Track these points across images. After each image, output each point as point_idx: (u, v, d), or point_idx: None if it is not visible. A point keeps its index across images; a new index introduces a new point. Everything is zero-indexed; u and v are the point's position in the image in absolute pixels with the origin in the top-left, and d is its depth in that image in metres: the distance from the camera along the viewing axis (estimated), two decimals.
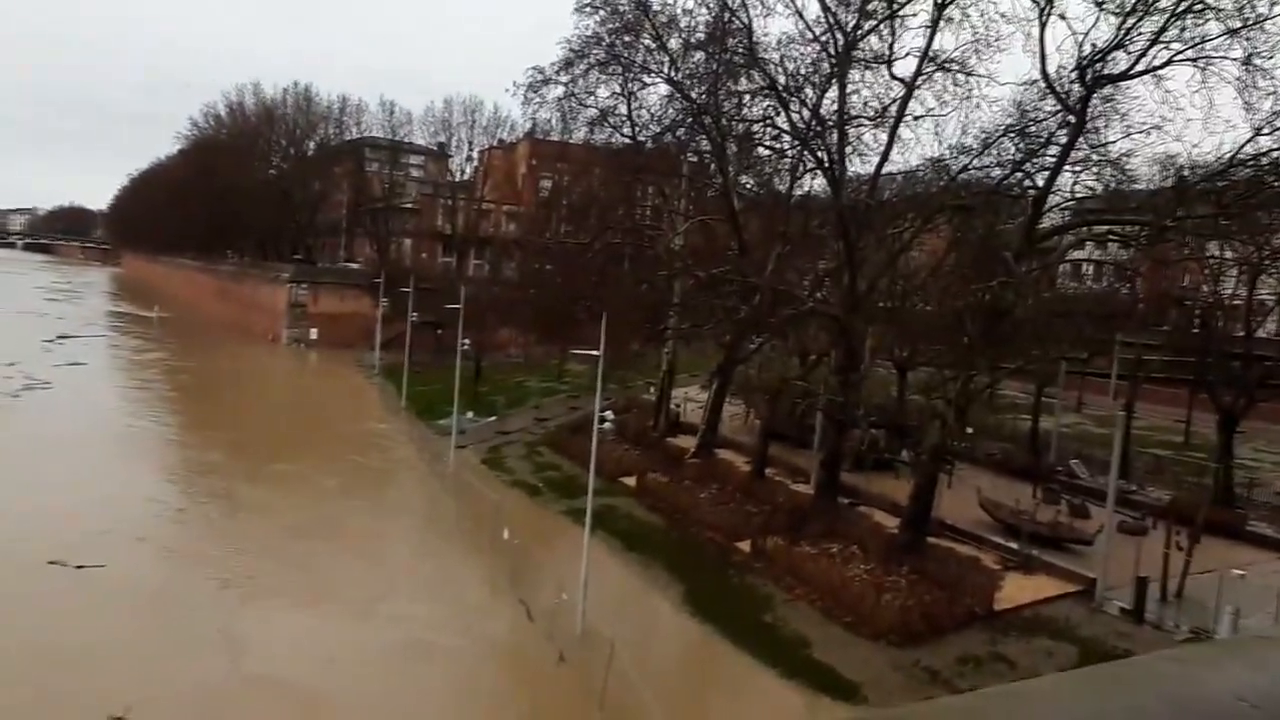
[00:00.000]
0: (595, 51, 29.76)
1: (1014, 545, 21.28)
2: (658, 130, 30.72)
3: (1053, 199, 22.97)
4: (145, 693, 15.01)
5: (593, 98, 31.20)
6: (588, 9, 28.89)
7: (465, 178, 72.68)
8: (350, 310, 64.58)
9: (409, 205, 75.74)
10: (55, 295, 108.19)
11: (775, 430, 29.56)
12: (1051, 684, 1.66)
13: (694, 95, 28.14)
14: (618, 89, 30.86)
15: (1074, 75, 20.00)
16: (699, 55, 27.93)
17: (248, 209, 77.47)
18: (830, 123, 23.77)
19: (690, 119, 28.94)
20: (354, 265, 74.34)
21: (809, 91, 24.03)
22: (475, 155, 70.58)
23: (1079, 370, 35.82)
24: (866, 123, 24.09)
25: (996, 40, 21.68)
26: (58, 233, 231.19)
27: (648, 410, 37.96)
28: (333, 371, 57.70)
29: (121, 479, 29.60)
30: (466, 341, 37.57)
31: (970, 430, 24.00)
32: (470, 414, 37.73)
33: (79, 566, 20.35)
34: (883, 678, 16.17)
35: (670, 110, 29.82)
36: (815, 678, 16.28)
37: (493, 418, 39.67)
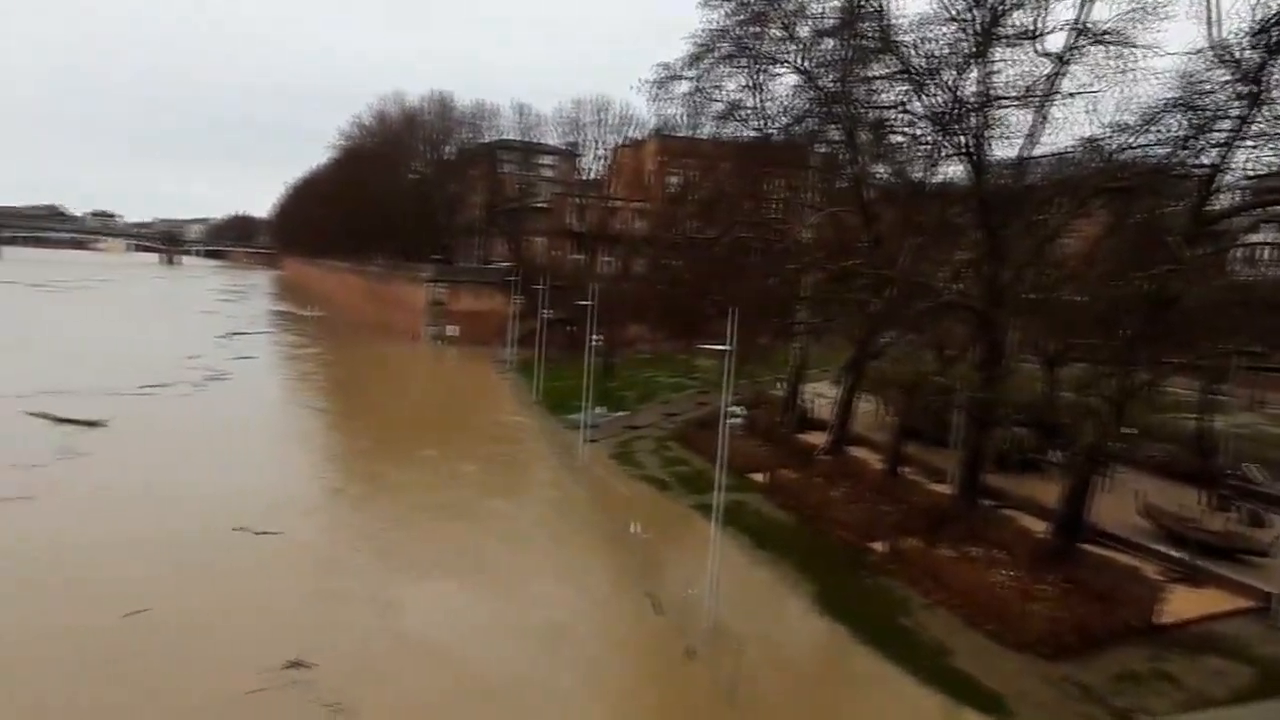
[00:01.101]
0: (722, 44, 29.56)
1: (1179, 555, 19.67)
2: (786, 122, 30.17)
3: (1225, 178, 20.88)
4: (315, 643, 16.50)
5: (720, 91, 31.04)
6: (714, 2, 28.74)
7: (595, 176, 73.93)
8: (486, 308, 67.06)
9: (541, 204, 77.86)
10: (226, 296, 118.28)
11: (911, 427, 28.50)
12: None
13: (824, 84, 27.47)
14: (745, 81, 30.55)
15: (1250, 41, 18.12)
16: (829, 42, 27.21)
17: (392, 212, 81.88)
18: (971, 105, 22.60)
19: (820, 108, 28.26)
20: (490, 265, 77.12)
21: (947, 73, 22.88)
22: (605, 154, 71.60)
23: (1255, 366, 32.60)
24: (1010, 103, 22.65)
25: (1159, 6, 19.94)
26: (229, 240, 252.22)
27: (777, 406, 37.46)
28: (469, 366, 60.12)
29: (288, 459, 33.24)
30: (597, 337, 38.20)
31: (1129, 430, 22.25)
32: (600, 409, 38.38)
33: (259, 533, 22.78)
34: (1030, 691, 15.31)
35: (799, 100, 29.23)
36: (955, 686, 15.61)
37: (622, 413, 40.22)
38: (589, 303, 38.16)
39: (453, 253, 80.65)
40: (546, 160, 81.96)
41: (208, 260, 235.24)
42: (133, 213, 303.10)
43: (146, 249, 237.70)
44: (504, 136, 79.35)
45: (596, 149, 71.16)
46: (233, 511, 24.04)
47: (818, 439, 32.36)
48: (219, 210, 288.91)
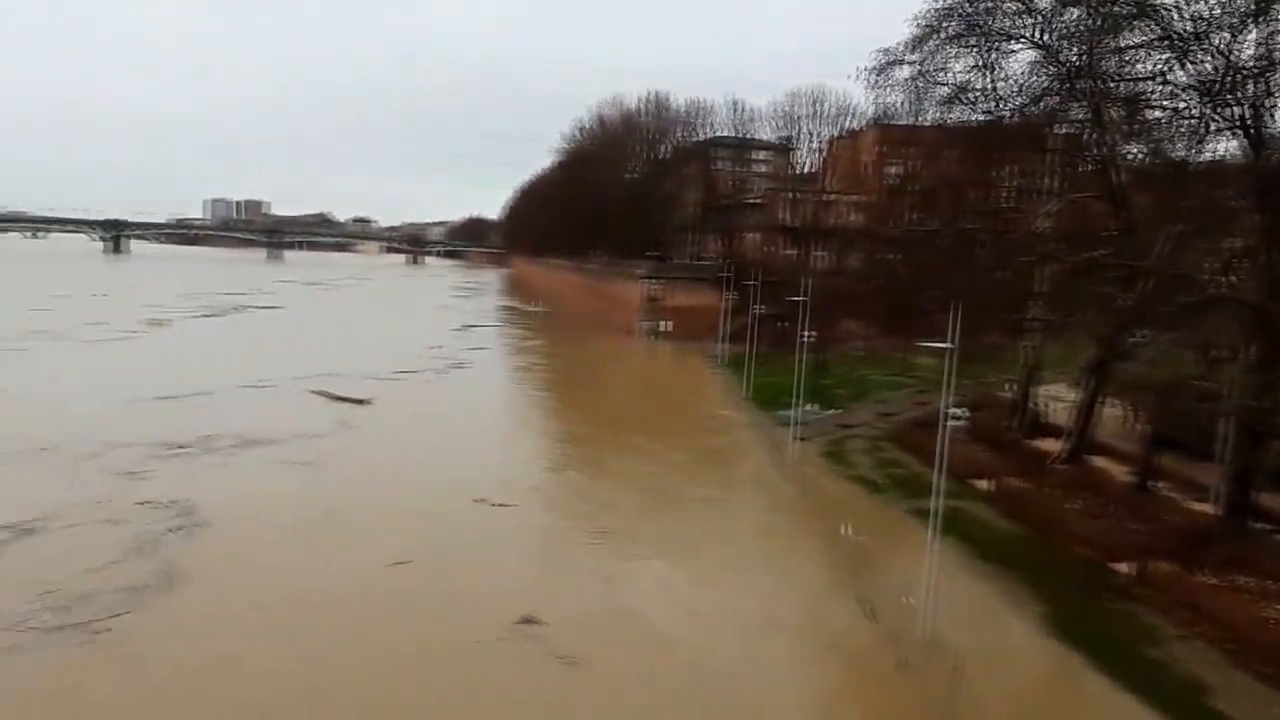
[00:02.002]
0: (949, 24, 27.85)
1: None
2: (1022, 102, 27.88)
3: None
4: (544, 605, 17.84)
5: (946, 74, 29.24)
6: None
7: (809, 170, 72.55)
8: (699, 303, 67.95)
9: (754, 200, 77.65)
10: (461, 293, 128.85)
11: (1166, 437, 25.43)
12: None
13: (1067, 58, 25.10)
14: (975, 61, 28.52)
15: None
16: (1073, 12, 24.81)
17: (609, 212, 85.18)
18: (1248, 71, 19.70)
19: (1062, 85, 25.88)
20: (703, 261, 78.05)
21: (1218, 37, 20.07)
22: (820, 146, 70.05)
23: None
24: None
25: None
26: (464, 241, 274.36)
27: (1004, 409, 34.84)
28: (681, 361, 61.23)
29: (518, 440, 35.97)
30: (810, 333, 37.47)
31: None
32: (812, 406, 37.64)
33: (495, 504, 24.88)
34: None
35: (1037, 78, 26.91)
36: None
37: (835, 411, 39.23)
38: (801, 298, 37.53)
39: (667, 250, 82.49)
40: (760, 156, 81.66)
41: (446, 260, 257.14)
42: (386, 218, 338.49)
43: (396, 250, 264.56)
44: (718, 134, 79.98)
45: (811, 142, 69.87)
46: (473, 484, 26.52)
47: (1051, 446, 29.72)
48: (457, 213, 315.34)
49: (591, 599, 18.81)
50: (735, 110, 76.25)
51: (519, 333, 78.74)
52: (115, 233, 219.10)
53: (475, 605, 18.00)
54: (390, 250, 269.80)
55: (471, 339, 68.42)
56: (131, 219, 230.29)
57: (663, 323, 69.68)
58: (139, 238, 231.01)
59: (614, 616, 18.03)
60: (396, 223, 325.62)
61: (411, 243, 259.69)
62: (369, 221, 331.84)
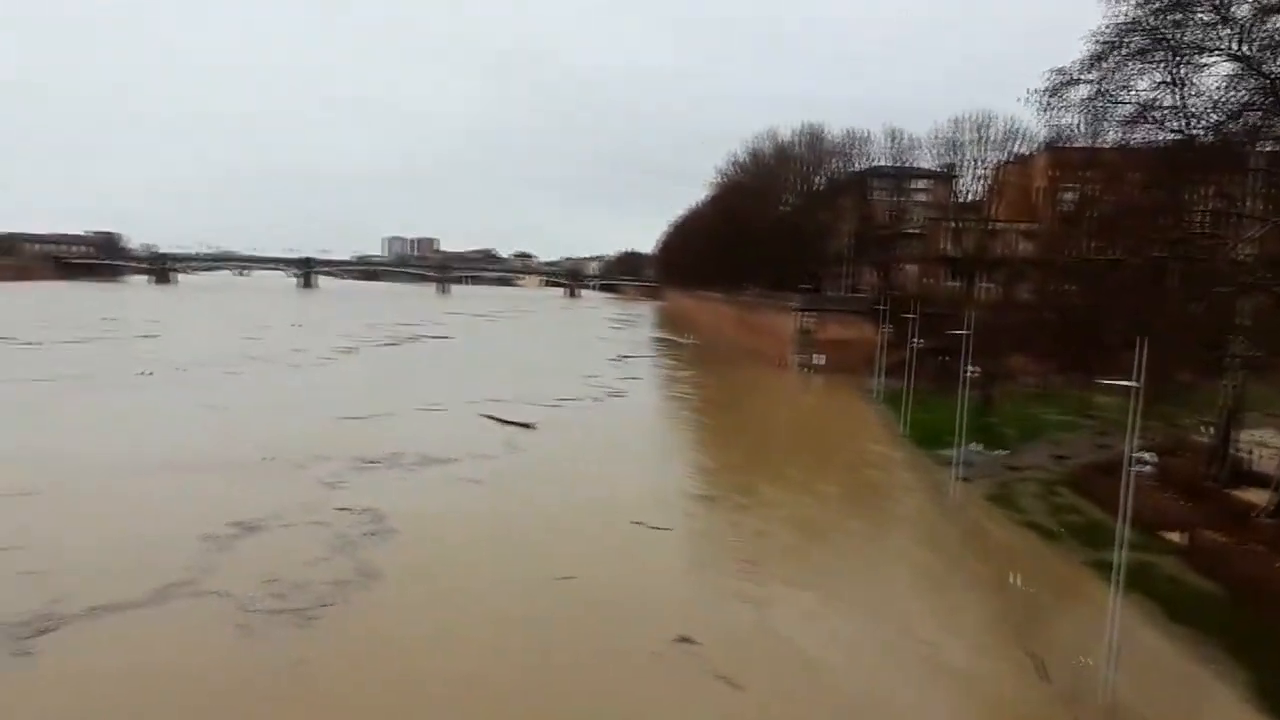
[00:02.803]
0: (1132, 38, 26.13)
1: None
2: (1218, 119, 25.67)
3: None
4: (699, 625, 18.28)
5: (1128, 92, 27.40)
6: None
7: (973, 198, 69.42)
8: (853, 336, 66.33)
9: (913, 230, 75.20)
10: (616, 324, 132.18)
11: None
12: None
13: (1271, 69, 22.92)
14: (1161, 77, 26.58)
15: None
16: (1278, 20, 22.63)
17: (763, 244, 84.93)
18: None
19: (1265, 98, 23.63)
20: (858, 293, 76.22)
21: None
22: (985, 173, 66.91)
23: None
24: None
25: None
26: (620, 274, 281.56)
27: (1200, 454, 31.65)
28: (835, 395, 59.91)
29: (673, 466, 36.91)
30: (973, 369, 35.62)
31: None
32: (976, 445, 35.71)
33: (653, 527, 25.63)
34: None
35: (1237, 92, 24.71)
36: None
37: (1002, 451, 36.98)
38: (965, 332, 35.83)
39: (821, 282, 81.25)
40: (920, 185, 79.05)
41: (601, 293, 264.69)
42: (545, 253, 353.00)
43: (555, 284, 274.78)
44: (875, 163, 78.25)
45: (976, 169, 66.86)
46: (631, 506, 27.47)
47: (1257, 497, 26.71)
48: (613, 248, 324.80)
49: (745, 624, 18.98)
50: (892, 139, 74.38)
51: (672, 363, 79.83)
52: (306, 270, 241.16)
53: (635, 621, 18.75)
54: (549, 284, 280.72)
55: (626, 369, 70.09)
56: (320, 257, 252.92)
57: (816, 356, 68.49)
58: (326, 273, 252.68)
59: (768, 642, 18.13)
60: (555, 257, 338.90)
61: (570, 277, 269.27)
62: (530, 256, 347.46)
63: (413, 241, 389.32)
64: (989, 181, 67.16)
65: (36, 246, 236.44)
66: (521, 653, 16.94)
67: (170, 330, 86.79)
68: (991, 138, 64.72)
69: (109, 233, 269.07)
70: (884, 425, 47.10)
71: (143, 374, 53.13)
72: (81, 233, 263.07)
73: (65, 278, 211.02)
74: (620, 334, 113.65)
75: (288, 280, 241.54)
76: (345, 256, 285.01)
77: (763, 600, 20.42)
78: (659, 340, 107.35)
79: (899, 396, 45.25)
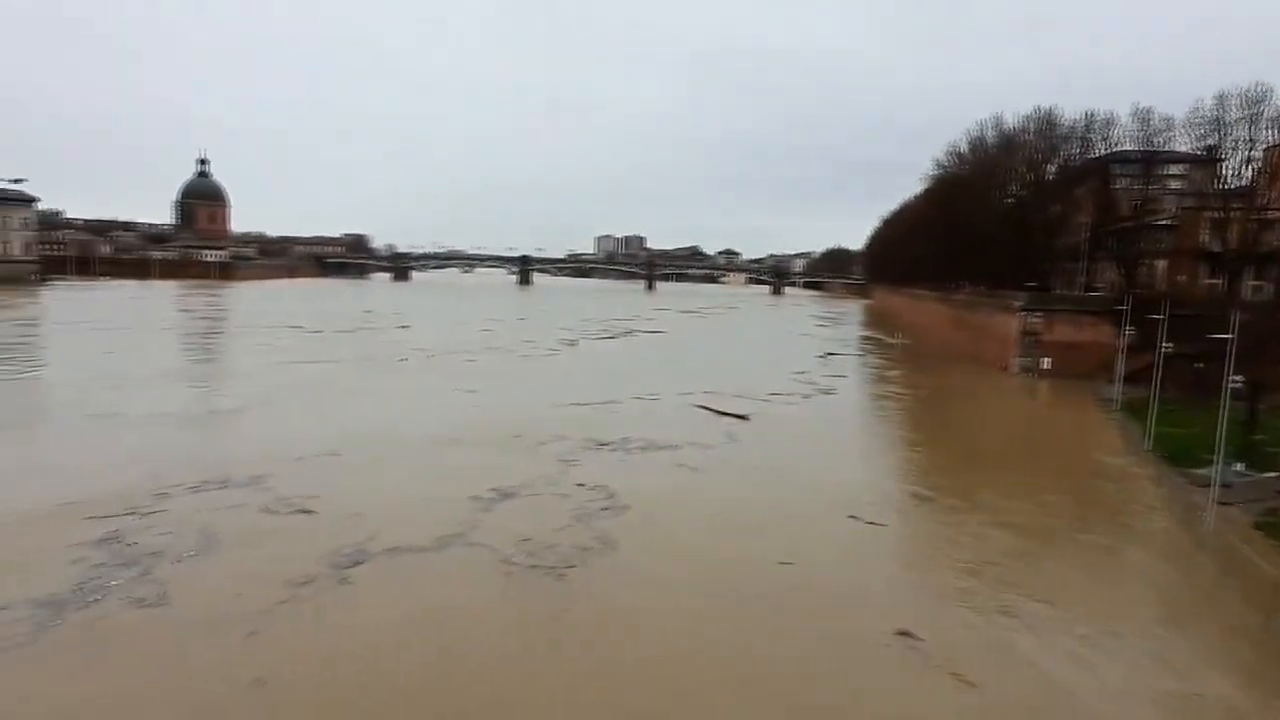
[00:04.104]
0: None
1: None
2: None
3: None
4: (917, 623, 18.35)
5: None
6: None
7: (1241, 184, 61.99)
8: (1087, 339, 61.69)
9: (1164, 222, 68.40)
10: (821, 322, 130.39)
11: None
12: None
13: None
14: None
15: None
16: None
17: (982, 239, 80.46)
18: None
19: None
20: (1094, 292, 70.59)
21: None
22: (1256, 156, 59.44)
23: None
24: None
25: None
26: (825, 272, 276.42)
27: None
28: (1063, 402, 56.04)
29: (883, 463, 36.70)
30: (1238, 378, 32.16)
31: None
32: (1239, 465, 32.25)
33: (868, 522, 25.92)
34: None
35: None
36: None
37: (1273, 474, 33.15)
38: (1227, 335, 32.54)
39: (1050, 279, 75.91)
40: (1173, 170, 71.56)
41: (806, 291, 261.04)
42: (750, 250, 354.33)
43: (759, 281, 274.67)
44: (1118, 148, 71.78)
45: (1245, 151, 59.48)
46: (845, 500, 27.87)
47: None
48: (819, 245, 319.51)
49: (968, 625, 18.81)
50: (1141, 120, 67.58)
51: (880, 362, 77.94)
52: (524, 267, 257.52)
53: (854, 610, 19.17)
54: (753, 281, 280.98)
55: (833, 367, 69.52)
56: (536, 255, 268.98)
57: (1042, 359, 64.23)
58: (542, 270, 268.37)
59: (994, 646, 17.80)
60: (760, 255, 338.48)
61: (774, 274, 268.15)
62: (735, 254, 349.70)
63: (622, 240, 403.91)
64: (1260, 165, 59.71)
65: (302, 248, 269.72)
66: (751, 630, 17.87)
67: (417, 321, 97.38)
68: (1266, 115, 57.50)
69: (358, 235, 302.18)
70: (1123, 436, 43.53)
71: (401, 360, 60.67)
72: (336, 235, 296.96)
73: (324, 274, 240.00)
74: (826, 331, 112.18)
75: (507, 277, 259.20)
76: (559, 255, 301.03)
77: (984, 604, 20.05)
78: (866, 339, 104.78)
79: (1142, 406, 41.71)
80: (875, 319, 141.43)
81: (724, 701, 15.04)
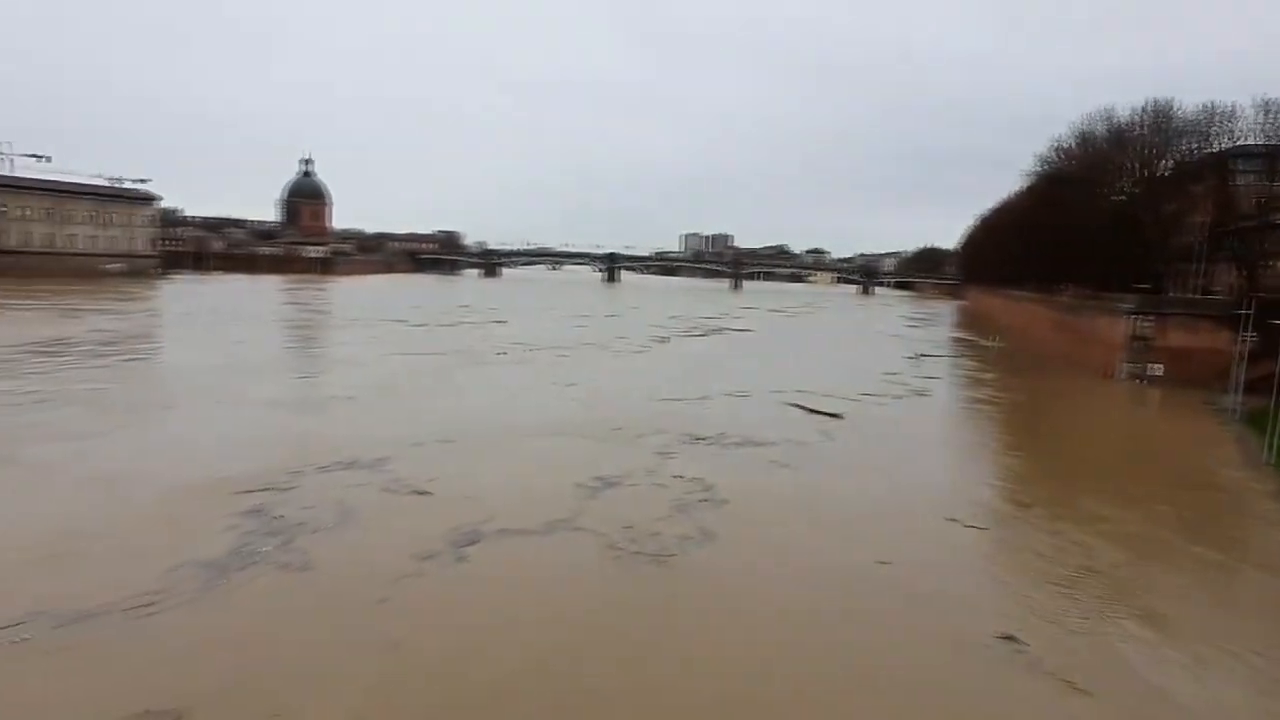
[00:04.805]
0: None
1: None
2: None
3: None
4: (1020, 628, 18.26)
5: None
6: None
7: None
8: (1203, 345, 58.88)
9: None
10: (912, 323, 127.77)
11: None
12: None
13: None
14: None
15: None
16: None
17: (1089, 239, 77.35)
18: None
19: None
20: (1211, 294, 67.26)
21: None
22: None
23: None
24: None
25: None
26: (917, 272, 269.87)
27: None
28: (1174, 410, 53.69)
29: (979, 469, 35.96)
30: None
31: None
32: None
33: (968, 525, 25.83)
34: None
35: None
36: None
37: None
38: None
39: (1163, 281, 72.56)
40: None
41: (896, 290, 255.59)
42: (838, 249, 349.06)
43: (847, 281, 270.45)
44: (1241, 142, 68.01)
45: None
46: (942, 502, 27.80)
47: None
48: (909, 243, 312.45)
49: (1075, 633, 18.51)
50: (1266, 112, 63.94)
51: (973, 365, 76.10)
52: (610, 265, 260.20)
53: (954, 612, 19.14)
54: (841, 281, 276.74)
55: (925, 369, 68.36)
56: (623, 253, 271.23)
57: (1151, 365, 61.57)
58: (628, 268, 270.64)
59: (1104, 657, 17.47)
60: (848, 254, 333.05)
61: (863, 273, 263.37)
62: (823, 253, 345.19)
63: (708, 238, 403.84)
64: None
65: (397, 244, 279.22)
66: (851, 627, 18.14)
67: (511, 317, 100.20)
68: None
69: (450, 231, 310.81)
70: (1240, 449, 41.45)
71: (501, 353, 62.84)
72: (429, 232, 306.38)
73: (417, 270, 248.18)
74: (917, 332, 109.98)
75: (593, 274, 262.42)
76: (645, 253, 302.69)
77: (1090, 612, 19.71)
78: (960, 341, 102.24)
79: (1262, 417, 39.76)
80: (969, 320, 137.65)
81: (825, 697, 15.34)
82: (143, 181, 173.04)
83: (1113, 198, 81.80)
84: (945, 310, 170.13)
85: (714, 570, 20.65)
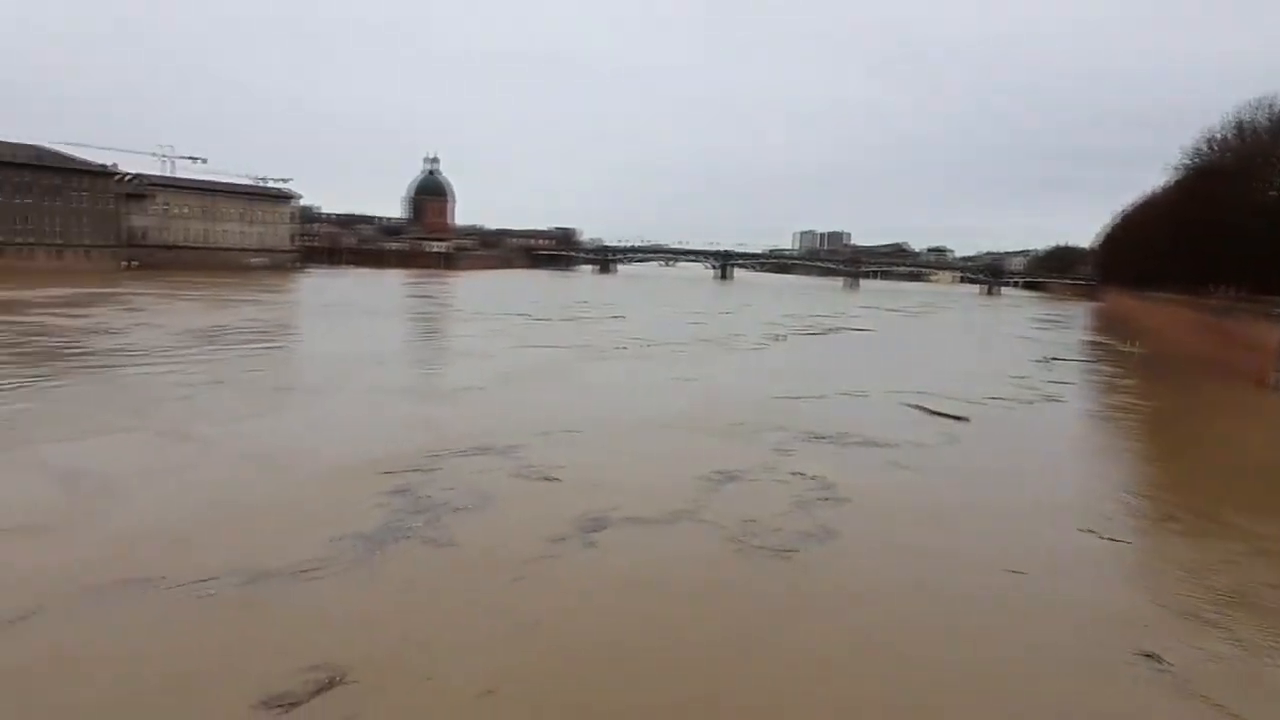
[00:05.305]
0: None
1: None
2: None
3: None
4: (1165, 647, 17.45)
5: None
6: None
7: None
8: None
9: None
10: (1042, 325, 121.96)
11: None
12: None
13: None
14: None
15: None
16: None
17: (1245, 237, 72.01)
18: None
19: None
20: None
21: None
22: None
23: None
24: None
25: None
26: (1047, 271, 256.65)
27: None
28: None
29: (1117, 479, 33.75)
30: None
31: None
32: None
33: (1105, 538, 24.56)
34: None
35: None
36: None
37: None
38: None
39: None
40: None
41: (1024, 291, 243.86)
42: (961, 247, 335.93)
43: (970, 280, 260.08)
44: None
45: None
46: (1078, 512, 26.76)
47: None
48: (1038, 242, 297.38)
49: (1225, 657, 17.52)
50: None
51: (1110, 371, 72.00)
52: (724, 262, 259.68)
53: (1092, 627, 18.43)
54: (964, 280, 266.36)
55: (1056, 373, 65.19)
56: (736, 250, 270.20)
57: None
58: (741, 266, 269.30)
59: (1258, 683, 16.59)
60: (972, 252, 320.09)
61: (988, 273, 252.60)
62: (945, 251, 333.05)
63: (823, 235, 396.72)
64: None
65: (515, 240, 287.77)
66: (982, 636, 17.74)
67: (628, 312, 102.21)
68: None
69: (566, 228, 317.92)
70: None
71: (619, 348, 64.36)
72: (545, 228, 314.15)
73: (534, 266, 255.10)
74: (1047, 335, 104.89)
75: (706, 272, 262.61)
76: (757, 250, 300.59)
77: (1243, 635, 18.53)
78: (1094, 345, 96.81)
79: None
80: (1105, 323, 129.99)
81: (956, 708, 15.10)
82: (284, 181, 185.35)
83: (1270, 193, 75.81)
84: (1078, 312, 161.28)
85: (836, 569, 20.70)
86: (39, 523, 20.77)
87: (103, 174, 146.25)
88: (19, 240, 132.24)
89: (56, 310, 75.06)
